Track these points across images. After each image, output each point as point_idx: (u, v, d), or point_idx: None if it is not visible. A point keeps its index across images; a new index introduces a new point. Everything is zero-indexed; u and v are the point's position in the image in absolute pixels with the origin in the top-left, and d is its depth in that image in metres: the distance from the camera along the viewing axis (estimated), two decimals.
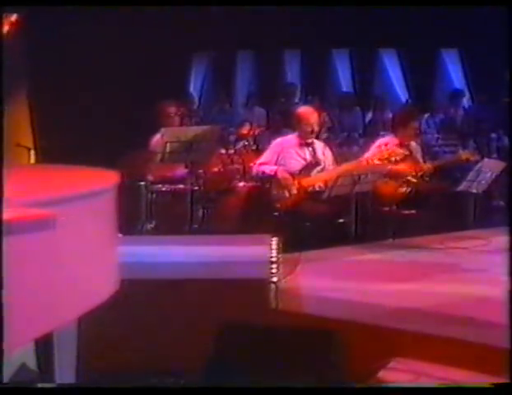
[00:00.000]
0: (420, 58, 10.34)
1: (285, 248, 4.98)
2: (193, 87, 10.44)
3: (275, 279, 4.24)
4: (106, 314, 2.68)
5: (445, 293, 4.59)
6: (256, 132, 7.38)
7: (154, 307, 3.88)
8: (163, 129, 5.90)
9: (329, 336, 3.79)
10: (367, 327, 4.06)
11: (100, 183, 2.65)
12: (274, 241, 4.69)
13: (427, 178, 6.49)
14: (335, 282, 4.82)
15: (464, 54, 10.83)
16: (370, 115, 9.83)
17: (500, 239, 5.70)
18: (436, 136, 9.21)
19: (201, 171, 6.34)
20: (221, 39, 9.61)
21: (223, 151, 6.81)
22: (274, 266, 4.38)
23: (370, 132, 8.96)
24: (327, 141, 8.88)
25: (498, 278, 4.40)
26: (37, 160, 7.59)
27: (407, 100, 10.23)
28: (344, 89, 10.68)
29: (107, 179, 2.73)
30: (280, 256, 4.68)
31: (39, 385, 2.82)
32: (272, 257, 4.50)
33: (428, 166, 6.43)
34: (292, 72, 10.69)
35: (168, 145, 5.88)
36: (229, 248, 4.56)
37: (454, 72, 10.93)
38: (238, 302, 3.87)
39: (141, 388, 3.10)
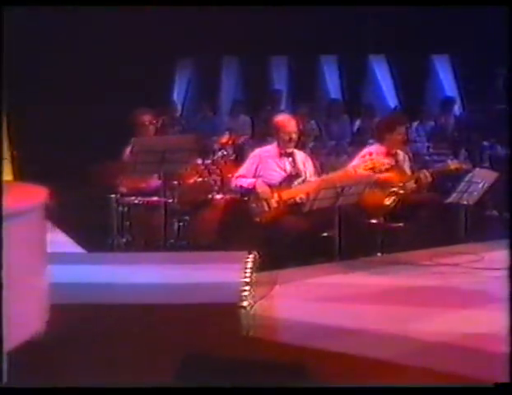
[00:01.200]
0: (410, 65, 10.25)
1: (262, 266, 4.87)
2: (177, 94, 10.32)
3: (246, 303, 3.92)
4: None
5: (433, 320, 4.22)
6: (236, 141, 7.20)
7: (118, 333, 3.66)
8: (134, 139, 5.60)
9: (305, 368, 3.47)
10: (347, 358, 3.68)
11: (19, 201, 2.20)
12: (250, 259, 4.56)
13: (415, 187, 6.26)
14: (314, 305, 4.50)
15: (456, 60, 10.78)
16: (358, 123, 9.68)
17: (494, 255, 5.47)
18: (426, 144, 9.08)
19: (175, 183, 6.11)
20: (207, 44, 9.53)
21: (199, 162, 6.56)
22: (247, 288, 4.09)
23: (359, 141, 8.66)
24: (314, 150, 8.85)
25: (494, 302, 4.11)
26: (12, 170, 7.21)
27: (395, 107, 10.12)
28: (332, 96, 10.55)
29: (30, 197, 2.28)
30: (255, 276, 4.47)
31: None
32: (246, 277, 4.26)
33: (425, 174, 6.22)
34: (279, 78, 10.54)
35: (139, 155, 5.58)
36: (202, 267, 4.46)
37: (445, 78, 10.86)
38: (206, 329, 3.70)
39: (141, 388, 3.11)
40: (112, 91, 8.46)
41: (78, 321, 3.52)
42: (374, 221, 6.05)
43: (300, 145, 8.22)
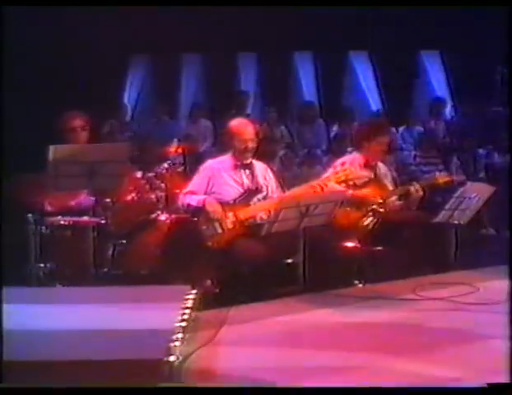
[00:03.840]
0: (395, 62, 10.00)
1: (211, 300, 4.87)
2: (128, 96, 10.01)
3: (173, 358, 3.56)
4: None
5: (416, 373, 3.76)
6: (186, 150, 6.79)
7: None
8: (51, 147, 5.11)
9: None
10: None
11: None
12: (192, 295, 4.45)
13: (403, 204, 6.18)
14: (268, 353, 4.11)
15: (447, 57, 10.53)
16: (336, 128, 9.53)
17: (492, 285, 5.30)
18: (413, 152, 8.90)
19: (108, 200, 5.78)
20: (164, 41, 9.25)
21: (139, 175, 6.22)
22: (180, 336, 3.81)
23: (336, 149, 8.54)
24: (285, 160, 8.49)
25: (494, 349, 3.79)
26: None
27: (377, 110, 9.91)
28: (306, 98, 10.25)
29: None
30: (199, 315, 4.40)
31: None
32: (182, 320, 4.06)
33: (416, 188, 6.09)
34: (246, 78, 10.23)
35: (61, 167, 5.21)
36: (135, 307, 4.33)
37: (435, 77, 10.62)
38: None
39: (141, 388, 3.30)
40: (48, 92, 8.04)
41: None
42: (348, 245, 5.90)
43: (269, 154, 7.98)
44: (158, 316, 4.10)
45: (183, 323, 3.95)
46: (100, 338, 3.83)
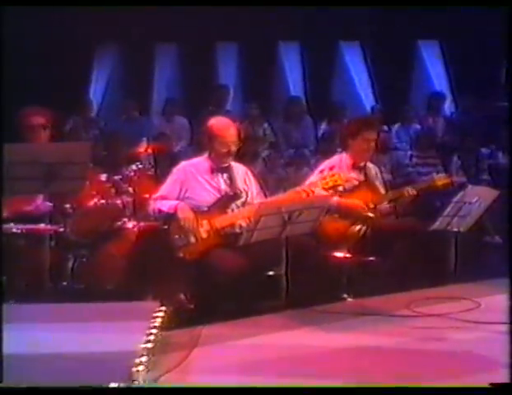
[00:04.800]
0: (390, 53, 10.08)
1: (184, 319, 4.84)
2: (94, 90, 10.05)
3: (137, 383, 3.56)
4: None
5: None
6: (157, 151, 6.81)
7: None
8: (6, 146, 5.07)
9: None
10: None
11: None
12: (161, 313, 4.44)
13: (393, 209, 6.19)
14: (244, 380, 4.02)
15: (447, 47, 10.58)
16: (324, 126, 9.59)
17: (495, 300, 5.25)
18: (409, 152, 8.94)
19: (67, 206, 5.75)
20: (134, 26, 9.26)
21: (103, 178, 6.19)
22: (144, 360, 3.77)
23: (325, 149, 8.44)
24: (268, 161, 8.55)
25: (497, 372, 3.83)
26: None
27: (372, 107, 9.99)
28: (292, 92, 10.33)
29: None
30: (168, 335, 4.37)
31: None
32: (147, 341, 4.02)
33: (410, 192, 6.11)
34: (226, 70, 10.30)
35: (15, 168, 5.03)
36: (96, 327, 4.30)
37: (434, 69, 10.69)
38: None
39: (141, 388, 3.49)
40: (4, 85, 8.00)
41: None
42: (336, 255, 5.89)
43: (251, 155, 7.96)
44: (123, 337, 4.07)
45: (149, 345, 3.91)
46: (57, 362, 3.78)
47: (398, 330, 4.91)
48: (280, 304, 5.38)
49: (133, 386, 3.44)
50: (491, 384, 3.47)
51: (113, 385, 3.42)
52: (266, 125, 9.18)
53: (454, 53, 10.33)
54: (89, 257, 5.86)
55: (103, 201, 6.04)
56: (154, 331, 4.13)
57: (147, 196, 6.03)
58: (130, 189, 6.32)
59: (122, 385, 3.44)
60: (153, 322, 4.23)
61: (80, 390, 3.37)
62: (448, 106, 10.10)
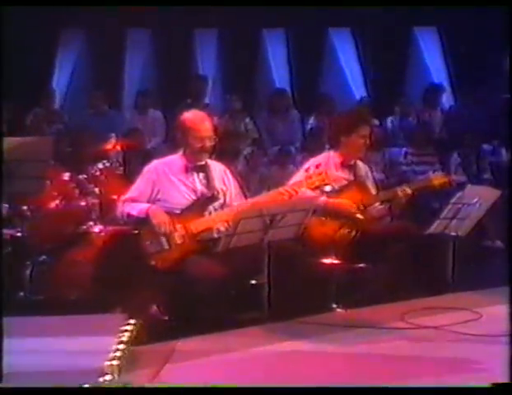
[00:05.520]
0: (383, 41, 10.17)
1: (157, 333, 4.85)
2: (57, 79, 10.04)
3: None
4: None
5: None
6: (126, 147, 6.83)
7: None
8: None
9: None
10: None
11: None
12: (130, 326, 4.48)
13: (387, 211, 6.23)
14: None
15: (446, 34, 10.63)
16: (312, 121, 9.63)
17: (497, 311, 5.25)
18: (404, 149, 8.95)
19: (25, 208, 5.82)
20: (103, 10, 9.15)
21: (66, 177, 6.22)
22: (108, 378, 3.85)
23: (313, 146, 8.54)
24: (251, 159, 8.54)
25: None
26: None
27: (361, 98, 10.02)
28: (277, 84, 10.40)
29: None
30: (138, 350, 4.40)
31: None
32: (114, 358, 4.05)
33: (405, 191, 6.11)
34: (205, 59, 10.34)
35: None
36: (57, 341, 4.35)
37: (432, 58, 10.74)
38: None
39: (141, 388, 3.76)
40: None
41: None
42: (323, 262, 5.90)
43: (231, 152, 7.99)
44: (87, 353, 4.08)
45: (115, 362, 3.93)
46: (14, 382, 3.78)
47: (392, 343, 4.94)
48: (262, 315, 5.41)
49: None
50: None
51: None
52: (248, 120, 9.20)
53: (454, 41, 10.39)
54: (49, 265, 5.88)
55: (66, 202, 6.03)
56: (121, 346, 4.14)
57: (115, 197, 6.02)
58: (96, 190, 6.31)
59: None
60: (120, 337, 4.24)
61: (79, 390, 3.53)
62: (446, 98, 10.11)
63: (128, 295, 5.40)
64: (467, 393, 3.80)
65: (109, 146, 6.75)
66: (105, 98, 9.40)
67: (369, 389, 3.82)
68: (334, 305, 5.76)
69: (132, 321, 4.50)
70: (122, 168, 6.68)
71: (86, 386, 3.60)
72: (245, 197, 5.94)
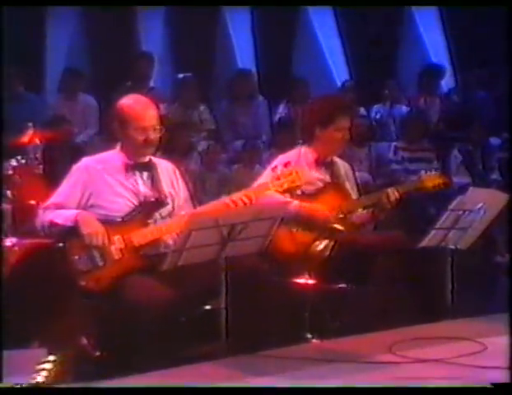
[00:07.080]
0: (372, 19, 10.45)
1: (86, 371, 4.90)
2: None
3: None
4: None
5: None
6: (47, 140, 6.86)
7: None
8: None
9: None
10: None
11: None
12: (49, 364, 4.50)
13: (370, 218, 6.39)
14: None
15: (446, 9, 10.85)
16: (282, 109, 9.78)
17: (504, 341, 5.22)
18: (394, 144, 9.11)
19: None
20: None
21: None
22: None
23: (283, 139, 8.72)
24: (207, 155, 8.53)
25: None
26: None
27: (343, 82, 10.15)
28: (239, 65, 10.58)
29: None
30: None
31: None
32: None
33: (393, 193, 6.22)
34: (149, 35, 10.47)
35: None
36: None
37: (429, 35, 10.96)
38: None
39: (141, 388, 4.23)
40: None
41: None
42: (295, 281, 6.01)
43: (181, 148, 8.01)
44: None
45: None
46: None
47: (377, 379, 4.89)
48: (220, 348, 5.42)
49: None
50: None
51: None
52: (202, 108, 9.28)
53: (455, 16, 10.60)
54: None
55: None
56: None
57: (33, 203, 6.05)
58: (8, 193, 6.31)
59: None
60: (35, 377, 4.25)
61: (79, 390, 3.87)
62: (445, 81, 10.28)
63: (49, 325, 5.39)
64: (466, 393, 4.35)
65: (25, 139, 6.75)
66: (21, 78, 9.31)
67: (369, 389, 4.34)
68: (308, 335, 5.86)
69: (51, 357, 4.47)
70: (41, 166, 6.69)
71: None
72: (193, 204, 5.91)
